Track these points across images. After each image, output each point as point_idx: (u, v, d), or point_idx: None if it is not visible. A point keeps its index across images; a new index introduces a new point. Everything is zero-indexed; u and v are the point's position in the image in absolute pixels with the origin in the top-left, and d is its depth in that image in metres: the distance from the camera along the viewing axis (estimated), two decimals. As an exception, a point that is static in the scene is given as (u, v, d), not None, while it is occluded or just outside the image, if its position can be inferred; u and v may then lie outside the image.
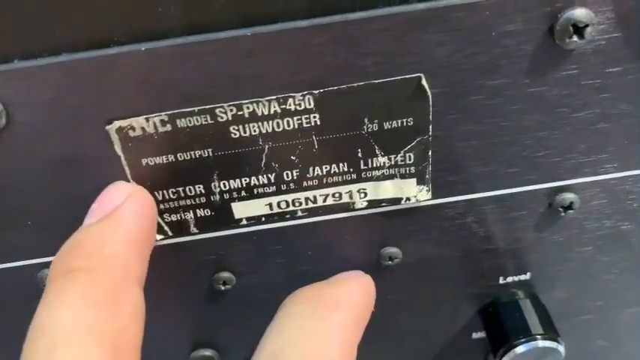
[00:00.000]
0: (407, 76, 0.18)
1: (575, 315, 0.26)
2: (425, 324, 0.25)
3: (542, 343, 0.22)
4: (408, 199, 0.20)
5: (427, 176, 0.20)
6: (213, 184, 0.19)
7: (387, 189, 0.20)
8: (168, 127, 0.18)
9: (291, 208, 0.20)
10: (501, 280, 0.24)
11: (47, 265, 0.21)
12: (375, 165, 0.19)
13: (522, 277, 0.24)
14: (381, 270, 0.22)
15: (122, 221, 0.17)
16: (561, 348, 0.23)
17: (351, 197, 0.20)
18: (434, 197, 0.21)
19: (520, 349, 0.22)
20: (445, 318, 0.25)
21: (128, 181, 0.19)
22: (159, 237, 0.20)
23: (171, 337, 0.24)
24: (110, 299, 0.15)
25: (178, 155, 0.18)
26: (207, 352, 0.24)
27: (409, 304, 0.24)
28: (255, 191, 0.20)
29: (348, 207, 0.20)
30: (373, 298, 0.19)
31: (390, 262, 0.22)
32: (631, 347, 0.27)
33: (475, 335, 0.26)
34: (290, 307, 0.18)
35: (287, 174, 0.19)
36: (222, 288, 0.22)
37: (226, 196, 0.20)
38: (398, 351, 0.26)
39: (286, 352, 0.16)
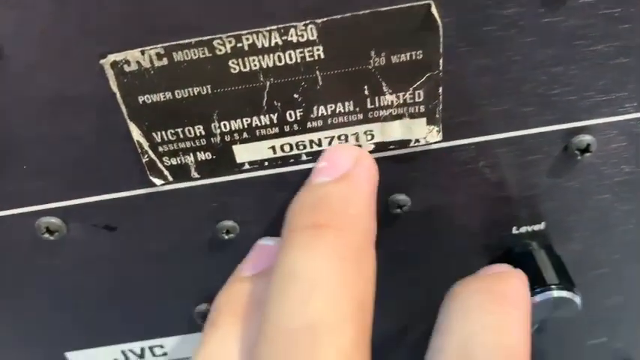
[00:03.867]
0: (415, 4, 0.17)
1: (590, 268, 0.25)
2: (434, 278, 0.24)
3: (557, 293, 0.22)
4: (417, 140, 0.19)
5: (437, 115, 0.19)
6: (213, 125, 0.18)
7: (395, 130, 0.19)
8: (165, 61, 0.17)
9: (295, 151, 0.19)
10: (514, 230, 0.23)
11: (45, 212, 0.20)
12: (382, 104, 0.19)
13: (537, 227, 0.23)
14: (389, 219, 0.22)
15: (361, 184, 0.18)
16: (577, 299, 0.22)
17: (357, 139, 0.19)
18: (444, 139, 0.20)
19: (534, 299, 0.21)
20: (456, 271, 0.24)
21: (125, 121, 0.18)
22: (159, 182, 0.19)
23: (174, 290, 0.23)
24: (357, 259, 0.16)
25: (176, 92, 0.18)
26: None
27: (418, 257, 0.23)
28: (257, 133, 0.19)
29: (355, 150, 0.20)
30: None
31: (398, 210, 0.21)
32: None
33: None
34: (467, 297, 0.19)
35: (290, 114, 0.19)
36: (226, 237, 0.21)
37: (227, 137, 0.19)
38: (405, 306, 0.25)
39: (476, 339, 0.18)
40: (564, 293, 0.21)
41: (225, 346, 0.17)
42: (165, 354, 0.26)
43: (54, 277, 0.22)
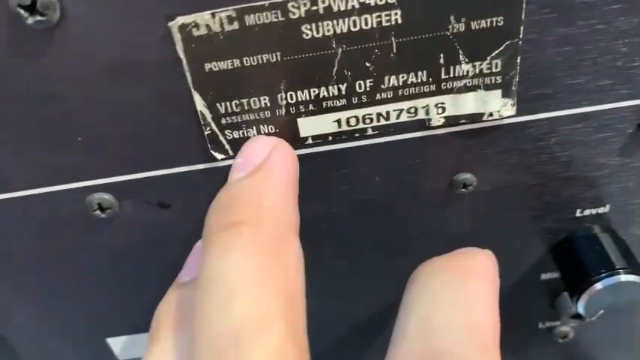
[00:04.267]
0: (502, -35, 0.16)
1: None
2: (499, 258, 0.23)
3: (625, 278, 0.21)
4: (490, 114, 0.19)
5: (513, 88, 0.18)
6: (280, 96, 0.18)
7: (468, 102, 0.18)
8: (236, 26, 0.16)
9: (361, 125, 0.19)
10: (578, 213, 0.22)
11: (97, 188, 0.19)
12: (457, 74, 0.18)
13: (600, 210, 0.22)
14: (452, 199, 0.21)
15: (274, 173, 0.17)
16: (646, 284, 0.21)
17: (427, 113, 0.18)
18: (518, 114, 0.19)
19: (600, 284, 0.21)
20: (514, 255, 0.23)
21: (189, 90, 0.17)
22: (220, 157, 0.19)
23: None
24: (277, 250, 0.15)
25: (244, 60, 0.17)
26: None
27: (476, 239, 0.23)
28: (324, 104, 0.18)
29: (424, 124, 0.19)
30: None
31: (463, 190, 0.20)
32: None
33: (544, 276, 0.24)
34: (428, 276, 0.18)
35: (360, 84, 0.18)
36: (283, 217, 0.20)
37: (293, 109, 0.18)
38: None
39: (438, 317, 0.16)
40: (633, 277, 0.21)
41: None
42: None
43: (102, 256, 0.21)
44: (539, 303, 0.25)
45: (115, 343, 0.24)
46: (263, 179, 0.17)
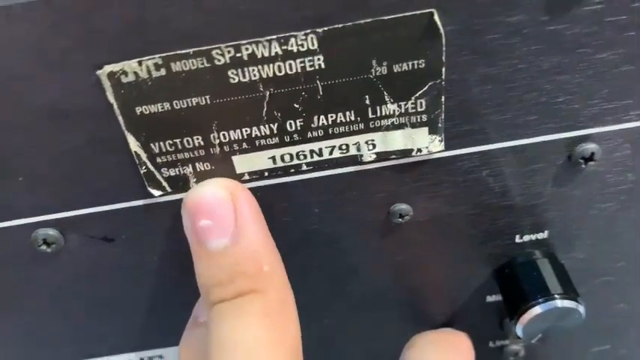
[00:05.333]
0: (418, 12, 0.16)
1: (595, 277, 0.24)
2: (437, 287, 0.24)
3: (561, 303, 0.21)
4: (419, 150, 0.19)
5: (440, 125, 0.19)
6: (212, 136, 0.18)
7: (397, 139, 0.19)
8: (163, 72, 0.17)
9: (296, 161, 0.19)
10: (517, 239, 0.23)
11: (42, 224, 0.20)
12: (384, 113, 0.18)
13: (540, 236, 0.23)
14: (391, 228, 0.21)
15: (254, 232, 0.18)
16: (581, 308, 0.22)
17: (358, 149, 0.19)
18: (447, 149, 0.19)
19: (538, 309, 0.21)
20: (458, 280, 0.24)
21: (123, 132, 0.18)
22: (157, 193, 0.19)
23: (172, 301, 0.23)
24: (282, 310, 0.18)
25: (174, 103, 0.17)
26: (211, 318, 0.23)
27: (420, 266, 0.23)
28: (257, 143, 0.19)
29: (356, 160, 0.19)
30: None
31: (400, 220, 0.21)
32: (653, 311, 0.26)
33: (489, 298, 0.25)
34: (424, 344, 0.24)
35: (290, 124, 0.18)
36: (225, 248, 0.21)
37: (226, 148, 0.19)
38: (408, 315, 0.25)
39: None
40: (568, 303, 0.21)
41: None
42: (164, 365, 0.25)
43: (52, 289, 0.22)
44: (488, 324, 0.26)
45: None
46: (250, 244, 0.17)
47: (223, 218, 0.17)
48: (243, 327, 0.17)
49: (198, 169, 0.19)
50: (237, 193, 0.18)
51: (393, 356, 0.26)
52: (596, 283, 0.25)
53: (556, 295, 0.21)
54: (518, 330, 0.22)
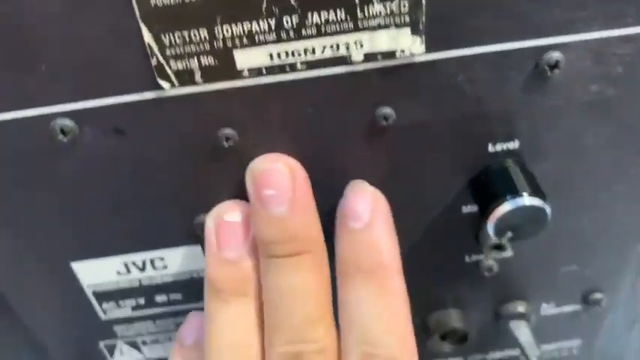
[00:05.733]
0: None
1: (562, 190, 0.27)
2: (416, 197, 0.26)
3: (529, 201, 0.23)
4: (402, 51, 0.21)
5: (421, 26, 0.21)
6: (216, 29, 0.20)
7: (382, 39, 0.21)
8: (176, -37, 0.19)
9: (291, 59, 0.21)
10: (490, 148, 0.25)
11: (59, 114, 0.22)
12: (371, 13, 0.20)
13: (511, 145, 0.25)
14: (376, 131, 0.24)
15: (308, 205, 0.23)
16: (547, 208, 0.24)
17: (348, 49, 0.21)
18: (427, 51, 0.22)
19: (507, 205, 0.23)
20: (435, 190, 0.26)
21: (138, 23, 0.20)
22: (166, 86, 0.21)
23: (174, 200, 0.25)
24: (323, 265, 0.23)
25: (184, -5, 0.19)
26: (209, 217, 0.25)
27: (402, 174, 0.25)
28: (257, 39, 0.21)
29: (346, 60, 0.22)
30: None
31: (384, 122, 0.23)
32: (619, 228, 0.29)
33: (465, 209, 0.27)
34: (353, 291, 0.24)
35: (287, 20, 0.20)
36: (226, 145, 0.23)
37: (229, 43, 0.21)
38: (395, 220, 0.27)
39: (372, 331, 0.23)
40: (535, 201, 0.23)
41: None
42: (165, 267, 0.27)
43: (63, 182, 0.24)
44: (464, 237, 0.28)
45: (79, 268, 0.27)
46: (304, 213, 0.22)
47: (285, 190, 0.22)
48: (301, 279, 0.22)
49: (203, 64, 0.21)
50: (297, 171, 0.22)
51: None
52: (564, 197, 0.27)
53: (524, 193, 0.23)
54: (490, 228, 0.24)
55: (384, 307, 0.22)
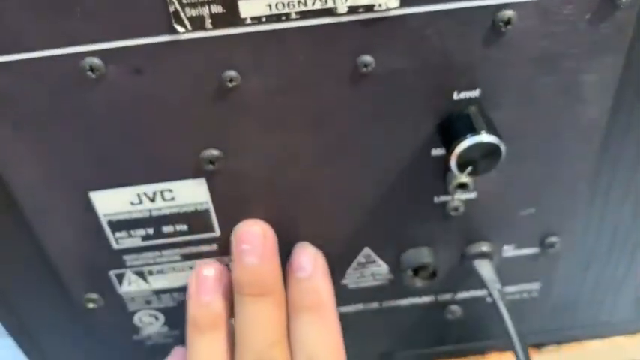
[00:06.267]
0: None
1: (518, 138, 0.31)
2: (390, 140, 0.30)
3: (486, 138, 0.28)
4: (380, 5, 0.25)
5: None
6: None
7: (363, -6, 0.25)
8: None
9: (286, 9, 0.25)
10: (455, 96, 0.29)
11: (88, 53, 0.26)
12: (353, -30, 0.25)
13: (472, 94, 0.29)
14: (357, 78, 0.28)
15: (273, 259, 0.30)
16: (502, 146, 0.28)
17: (334, 2, 0.25)
18: (401, 5, 0.26)
19: (466, 142, 0.28)
20: (408, 133, 0.30)
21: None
22: (181, 30, 0.25)
23: (184, 135, 0.29)
24: (283, 304, 0.30)
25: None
26: (215, 152, 0.29)
27: (378, 118, 0.29)
28: None
29: (332, 12, 0.26)
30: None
31: (365, 69, 0.27)
32: (569, 172, 0.33)
33: (434, 152, 0.31)
34: (296, 318, 0.31)
35: (283, -25, 0.24)
36: (229, 85, 0.27)
37: None
38: (361, 166, 0.31)
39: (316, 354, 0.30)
40: (492, 138, 0.28)
41: None
42: (172, 199, 0.31)
43: (88, 115, 0.28)
44: (432, 178, 0.32)
45: (97, 198, 0.31)
46: (271, 264, 0.29)
47: (257, 246, 0.29)
48: (263, 313, 0.29)
49: (213, 12, 0.25)
50: (267, 232, 0.30)
51: (343, 214, 0.32)
52: (517, 143, 0.31)
53: (482, 132, 0.28)
54: (453, 163, 0.29)
55: (323, 333, 0.29)
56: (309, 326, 0.29)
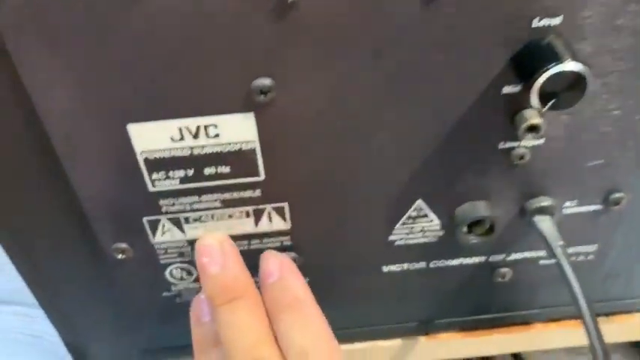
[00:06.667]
0: None
1: (598, 74, 0.28)
2: (456, 74, 0.27)
3: (572, 66, 0.25)
4: None
5: None
6: None
7: None
8: None
9: None
10: (535, 23, 0.26)
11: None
12: None
13: (554, 22, 0.26)
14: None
15: (234, 265, 0.29)
16: (589, 77, 0.25)
17: None
18: None
19: (550, 71, 0.25)
20: (476, 66, 0.27)
21: None
22: None
23: (233, 62, 0.26)
24: (257, 302, 0.29)
25: None
26: (267, 81, 0.27)
27: (446, 48, 0.27)
28: None
29: None
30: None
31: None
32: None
33: (506, 89, 0.28)
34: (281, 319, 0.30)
35: None
36: (288, 1, 0.24)
37: None
38: (422, 105, 0.28)
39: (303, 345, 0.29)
40: (578, 66, 0.25)
41: None
42: (217, 135, 0.28)
43: (130, 38, 0.25)
44: (500, 120, 0.30)
45: (135, 131, 0.28)
46: (233, 270, 0.29)
47: (216, 256, 0.29)
48: (238, 317, 0.28)
49: None
50: (225, 242, 0.29)
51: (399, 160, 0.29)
52: (600, 84, 0.28)
53: (567, 59, 0.25)
54: (533, 96, 0.26)
55: (308, 327, 0.29)
56: (291, 324, 0.29)
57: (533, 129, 0.29)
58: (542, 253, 0.37)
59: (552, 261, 0.36)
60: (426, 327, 0.42)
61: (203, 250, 0.29)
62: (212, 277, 0.29)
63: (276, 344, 0.29)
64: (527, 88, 0.27)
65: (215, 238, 0.29)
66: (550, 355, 0.53)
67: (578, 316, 0.42)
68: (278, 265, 0.30)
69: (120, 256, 0.33)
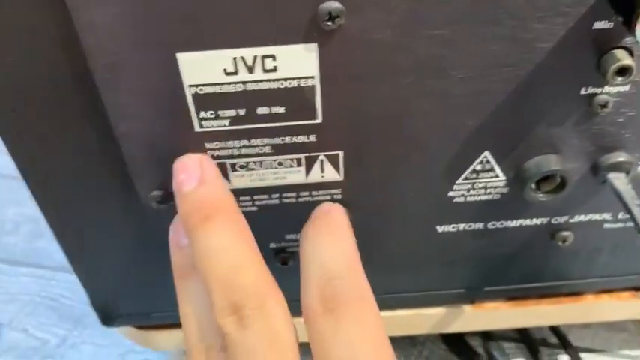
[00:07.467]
0: None
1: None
2: (548, 3, 0.24)
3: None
4: None
5: None
6: None
7: None
8: None
9: None
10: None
11: None
12: None
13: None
14: None
15: (213, 181, 0.27)
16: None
17: None
18: None
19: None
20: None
21: None
22: None
23: None
24: (236, 220, 0.26)
25: None
26: (337, 5, 0.24)
27: None
28: None
29: None
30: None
31: None
32: None
33: (597, 24, 0.25)
34: (310, 236, 0.28)
35: None
36: None
37: None
38: (499, 38, 0.25)
39: (329, 264, 0.27)
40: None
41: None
42: (275, 69, 0.26)
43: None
44: (587, 61, 0.27)
45: (185, 61, 0.25)
46: (210, 186, 0.26)
47: (193, 172, 0.26)
48: (214, 238, 0.25)
49: None
50: (204, 159, 0.27)
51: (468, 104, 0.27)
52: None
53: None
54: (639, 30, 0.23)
55: (332, 242, 0.27)
56: (317, 237, 0.27)
57: (623, 71, 0.26)
58: (607, 215, 0.35)
59: (617, 225, 0.34)
60: (473, 294, 0.40)
61: (180, 167, 0.27)
62: (186, 194, 0.26)
63: (265, 272, 0.25)
64: (625, 23, 0.24)
65: (194, 155, 0.27)
66: (589, 330, 0.51)
67: (633, 286, 0.40)
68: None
69: (157, 206, 0.30)
